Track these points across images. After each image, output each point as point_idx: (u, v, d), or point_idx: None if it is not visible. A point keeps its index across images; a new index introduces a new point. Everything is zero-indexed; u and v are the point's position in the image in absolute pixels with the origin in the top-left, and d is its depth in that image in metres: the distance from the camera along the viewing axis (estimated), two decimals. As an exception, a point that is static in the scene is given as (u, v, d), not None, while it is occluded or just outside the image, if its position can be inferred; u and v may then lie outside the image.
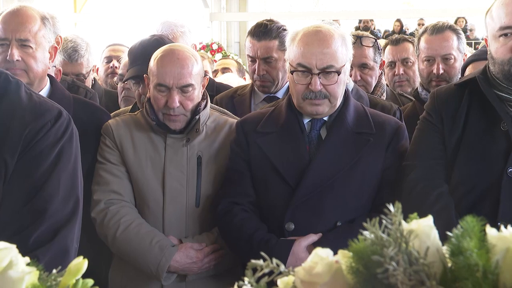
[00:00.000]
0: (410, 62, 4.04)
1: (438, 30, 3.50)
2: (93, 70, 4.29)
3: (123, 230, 2.62)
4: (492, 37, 2.45)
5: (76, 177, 2.01)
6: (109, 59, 4.53)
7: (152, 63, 2.70)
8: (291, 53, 2.59)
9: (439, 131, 2.52)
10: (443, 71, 3.47)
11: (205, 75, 2.80)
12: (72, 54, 4.01)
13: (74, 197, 1.98)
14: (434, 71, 3.47)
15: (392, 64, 4.06)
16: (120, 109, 3.32)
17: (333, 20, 3.18)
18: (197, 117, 2.70)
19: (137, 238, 2.61)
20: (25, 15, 2.59)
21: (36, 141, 1.89)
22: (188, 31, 3.84)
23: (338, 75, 2.54)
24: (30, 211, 1.87)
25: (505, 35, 2.39)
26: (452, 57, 3.49)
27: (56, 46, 2.68)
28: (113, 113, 3.17)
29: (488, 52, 2.50)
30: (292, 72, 2.57)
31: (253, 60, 3.37)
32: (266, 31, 3.33)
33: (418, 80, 3.97)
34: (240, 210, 2.60)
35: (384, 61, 3.84)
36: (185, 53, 2.69)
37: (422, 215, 1.00)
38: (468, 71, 3.30)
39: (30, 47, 2.58)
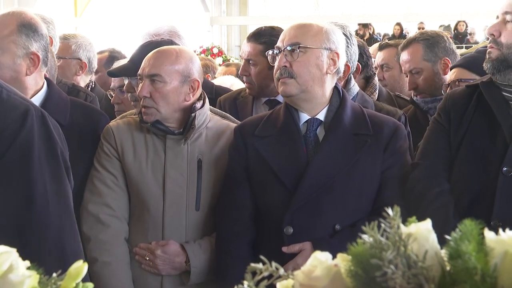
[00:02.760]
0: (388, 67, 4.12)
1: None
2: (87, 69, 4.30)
3: (98, 267, 2.64)
4: None
5: (34, 182, 1.96)
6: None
7: None
8: None
9: (445, 131, 2.54)
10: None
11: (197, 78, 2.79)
12: (61, 37, 4.14)
13: (29, 205, 1.94)
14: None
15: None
16: (126, 113, 3.33)
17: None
18: (193, 114, 2.70)
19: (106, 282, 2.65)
20: None
21: (3, 149, 1.84)
22: (178, 38, 3.82)
23: (300, 49, 2.57)
24: None
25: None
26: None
27: (37, 53, 2.67)
28: (122, 115, 3.18)
29: None
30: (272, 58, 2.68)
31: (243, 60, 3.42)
32: (256, 34, 3.36)
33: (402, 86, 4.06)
34: (238, 244, 2.61)
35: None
36: (168, 49, 2.73)
37: (420, 212, 1.00)
38: (450, 75, 3.30)
39: None
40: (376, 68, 4.08)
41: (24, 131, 1.89)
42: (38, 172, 1.93)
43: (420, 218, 1.00)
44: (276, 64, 2.63)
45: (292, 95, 2.60)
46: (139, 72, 2.70)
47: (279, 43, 2.64)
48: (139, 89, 2.68)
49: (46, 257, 1.86)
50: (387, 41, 4.65)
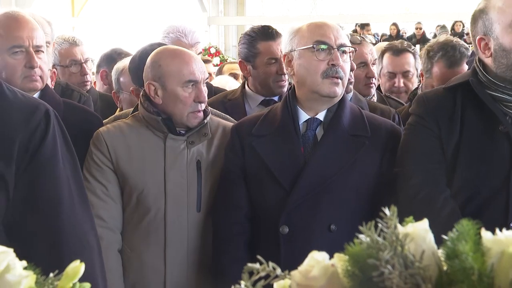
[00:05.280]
0: (410, 74, 4.05)
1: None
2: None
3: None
4: (504, 30, 2.41)
5: (60, 182, 1.95)
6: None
7: (166, 65, 2.69)
8: (302, 38, 2.61)
9: (435, 135, 2.49)
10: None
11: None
12: (71, 39, 4.17)
13: (58, 205, 1.94)
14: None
15: (392, 75, 4.03)
16: (121, 112, 3.31)
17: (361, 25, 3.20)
18: (205, 121, 2.72)
19: None
20: (31, 21, 2.59)
21: (34, 150, 1.81)
22: (190, 33, 3.86)
23: (349, 51, 2.62)
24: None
25: None
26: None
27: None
28: (114, 116, 3.16)
29: (493, 49, 2.45)
30: (313, 47, 2.58)
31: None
32: (276, 32, 3.39)
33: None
34: (235, 244, 2.62)
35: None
36: (189, 51, 2.83)
37: (430, 220, 1.00)
38: None
39: (43, 52, 2.60)
40: (393, 74, 4.05)
41: (50, 130, 1.87)
42: (63, 171, 1.91)
43: (431, 225, 0.99)
44: (325, 60, 2.58)
45: (338, 96, 2.61)
46: (190, 79, 2.68)
47: (327, 40, 2.59)
48: (201, 95, 2.68)
49: (73, 257, 1.86)
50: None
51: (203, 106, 2.70)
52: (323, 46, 2.58)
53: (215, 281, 2.64)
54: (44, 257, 1.73)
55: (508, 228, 0.95)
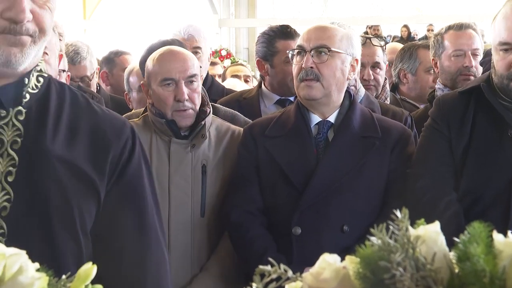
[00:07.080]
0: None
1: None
2: (96, 73, 4.30)
3: None
4: (493, 47, 2.46)
5: (147, 199, 1.84)
6: None
7: (151, 64, 2.73)
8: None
9: (446, 138, 2.51)
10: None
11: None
12: (74, 57, 4.11)
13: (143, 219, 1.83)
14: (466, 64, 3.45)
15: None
16: (132, 112, 3.32)
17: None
18: (203, 122, 2.70)
19: None
20: None
21: (124, 164, 1.73)
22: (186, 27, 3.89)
23: (329, 52, 2.59)
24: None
25: (505, 50, 2.41)
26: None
27: (62, 53, 2.71)
28: (125, 115, 3.17)
29: (492, 60, 2.51)
30: (289, 53, 2.70)
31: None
32: (294, 32, 3.43)
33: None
34: (252, 224, 2.60)
35: (387, 65, 3.81)
36: (182, 50, 2.78)
37: (432, 222, 1.00)
38: None
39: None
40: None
41: (136, 146, 1.80)
42: (147, 186, 1.86)
43: None
44: (299, 64, 2.62)
45: (316, 99, 2.61)
46: (166, 77, 2.68)
47: (302, 43, 2.64)
48: (179, 93, 2.65)
49: (156, 269, 1.80)
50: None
51: (188, 105, 2.67)
52: (298, 50, 2.64)
53: (239, 257, 2.66)
54: (130, 272, 1.69)
55: (507, 232, 0.95)
